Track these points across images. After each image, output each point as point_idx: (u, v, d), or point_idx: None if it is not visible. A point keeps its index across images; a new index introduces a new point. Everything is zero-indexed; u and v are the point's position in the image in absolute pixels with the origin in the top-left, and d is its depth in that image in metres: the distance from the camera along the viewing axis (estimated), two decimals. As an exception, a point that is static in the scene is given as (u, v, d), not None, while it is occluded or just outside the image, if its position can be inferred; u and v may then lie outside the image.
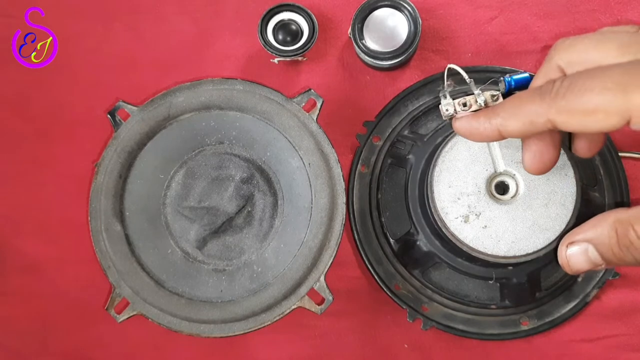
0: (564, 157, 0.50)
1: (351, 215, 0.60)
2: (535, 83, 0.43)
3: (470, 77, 0.54)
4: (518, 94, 0.42)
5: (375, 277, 0.59)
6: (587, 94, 0.36)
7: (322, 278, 0.54)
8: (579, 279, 0.58)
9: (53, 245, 0.63)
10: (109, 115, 0.57)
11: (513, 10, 0.62)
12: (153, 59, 0.64)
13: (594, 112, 0.36)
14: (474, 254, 0.50)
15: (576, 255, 0.42)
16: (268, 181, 0.57)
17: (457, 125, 0.45)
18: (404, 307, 0.58)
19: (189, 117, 0.56)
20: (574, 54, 0.40)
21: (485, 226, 0.49)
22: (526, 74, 0.55)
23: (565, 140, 0.48)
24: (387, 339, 0.61)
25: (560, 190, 0.49)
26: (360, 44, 0.58)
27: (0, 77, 0.65)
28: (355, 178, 0.61)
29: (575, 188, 0.49)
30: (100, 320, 0.61)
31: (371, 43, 0.59)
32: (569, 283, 0.58)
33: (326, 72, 0.63)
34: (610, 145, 0.59)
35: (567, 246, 0.42)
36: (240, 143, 0.57)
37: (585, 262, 0.42)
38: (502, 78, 0.55)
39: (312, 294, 0.54)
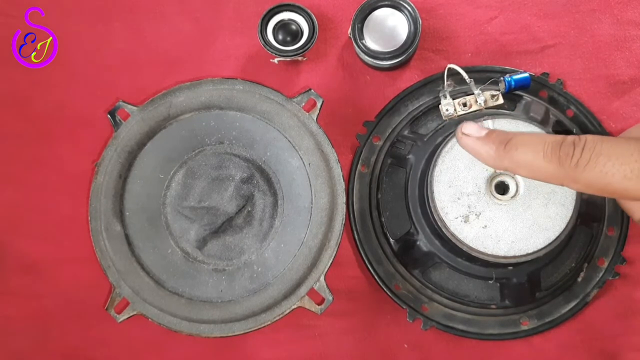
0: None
1: (351, 215, 0.60)
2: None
3: (470, 77, 0.54)
4: (531, 143, 0.43)
5: (375, 277, 0.59)
6: (608, 177, 0.40)
7: (322, 278, 0.54)
8: (579, 279, 0.58)
9: (53, 245, 0.63)
10: (109, 115, 0.57)
11: (513, 10, 0.62)
12: (153, 59, 0.64)
13: (612, 193, 0.40)
14: (474, 254, 0.50)
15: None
16: (268, 181, 0.57)
17: (464, 142, 0.48)
18: (404, 307, 0.58)
19: (189, 117, 0.56)
20: None
21: (485, 226, 0.49)
22: (526, 74, 0.55)
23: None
24: (387, 339, 0.61)
25: (560, 190, 0.49)
26: (360, 44, 0.58)
27: (0, 77, 0.65)
28: (355, 178, 0.61)
29: (574, 188, 0.49)
30: (100, 320, 0.61)
31: (371, 43, 0.59)
32: (569, 283, 0.58)
33: (326, 72, 0.63)
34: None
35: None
36: (240, 143, 0.57)
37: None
38: (502, 78, 0.55)
39: (312, 294, 0.54)
